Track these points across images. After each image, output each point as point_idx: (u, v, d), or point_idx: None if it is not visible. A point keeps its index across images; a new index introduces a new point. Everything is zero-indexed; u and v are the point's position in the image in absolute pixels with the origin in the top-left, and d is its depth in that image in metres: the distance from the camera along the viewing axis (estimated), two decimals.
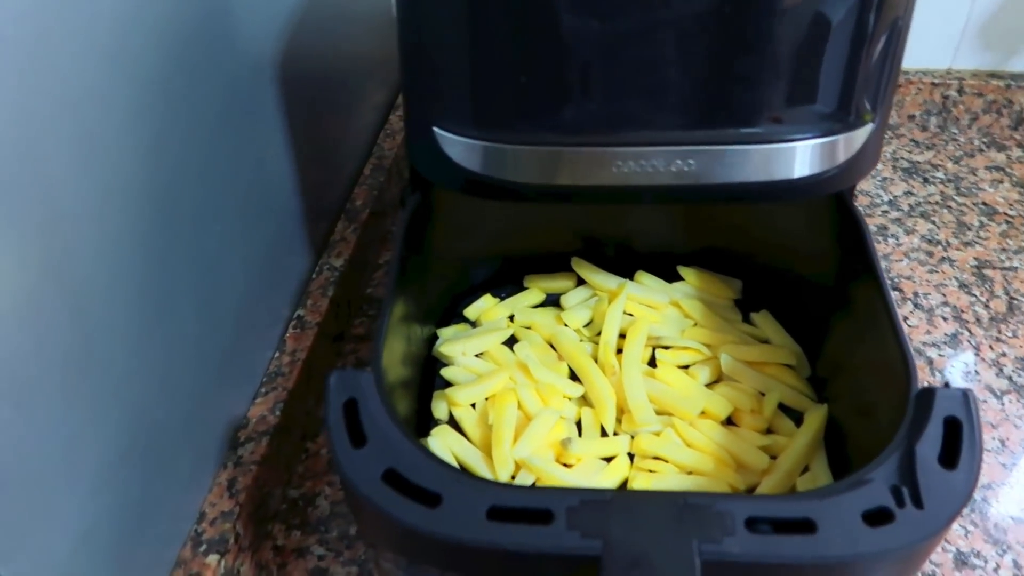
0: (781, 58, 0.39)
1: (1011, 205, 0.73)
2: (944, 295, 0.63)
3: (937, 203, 0.73)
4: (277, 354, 0.52)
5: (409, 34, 0.41)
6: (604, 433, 0.49)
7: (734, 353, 0.52)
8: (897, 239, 0.69)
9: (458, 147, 0.42)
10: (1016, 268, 0.66)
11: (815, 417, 0.48)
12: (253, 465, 0.46)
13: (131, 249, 0.36)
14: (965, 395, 0.35)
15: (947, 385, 0.36)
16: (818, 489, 0.33)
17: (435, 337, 0.56)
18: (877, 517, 0.32)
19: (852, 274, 0.47)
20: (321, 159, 0.60)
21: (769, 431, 0.49)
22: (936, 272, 0.66)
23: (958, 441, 0.34)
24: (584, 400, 0.51)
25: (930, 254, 0.67)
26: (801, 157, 0.42)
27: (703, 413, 0.49)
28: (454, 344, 0.53)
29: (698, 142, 0.41)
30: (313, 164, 0.57)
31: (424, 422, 0.51)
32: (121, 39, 0.33)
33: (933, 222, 0.71)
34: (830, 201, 0.49)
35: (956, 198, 0.74)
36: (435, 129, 0.42)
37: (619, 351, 0.53)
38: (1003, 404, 0.55)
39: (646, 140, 0.41)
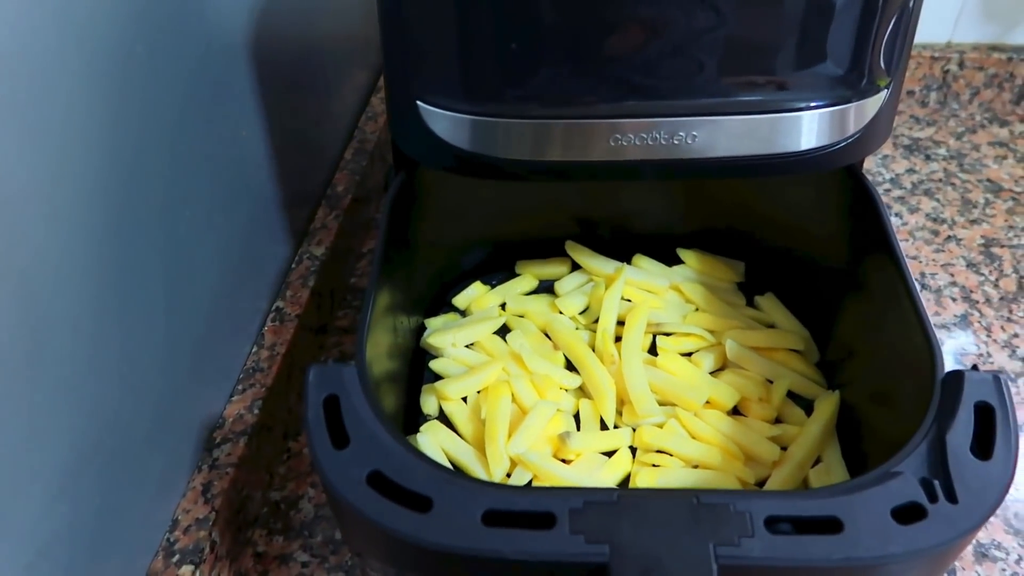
0: (791, 15, 0.36)
1: (1016, 181, 0.70)
2: (952, 275, 0.61)
3: (940, 180, 0.71)
4: (255, 348, 0.49)
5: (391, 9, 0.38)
6: (604, 426, 0.46)
7: (739, 339, 0.49)
8: (901, 218, 0.67)
9: (444, 122, 0.39)
10: None
11: (827, 404, 0.45)
12: (230, 467, 0.43)
13: (88, 233, 0.32)
14: (997, 379, 0.32)
15: (975, 368, 0.34)
16: (842, 484, 0.31)
17: (423, 328, 0.53)
18: (908, 513, 0.29)
19: (865, 251, 0.44)
20: (300, 142, 0.56)
21: (778, 420, 0.47)
22: (942, 251, 0.63)
23: (991, 429, 0.31)
24: (582, 391, 0.49)
25: (935, 233, 0.65)
26: (811, 127, 0.39)
27: (708, 403, 0.46)
28: (443, 335, 0.50)
29: (703, 112, 0.38)
30: (291, 147, 0.54)
31: (412, 418, 0.48)
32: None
33: (937, 200, 0.68)
34: (839, 175, 0.46)
35: (960, 175, 0.71)
36: (419, 103, 0.39)
37: (618, 339, 0.50)
38: (1018, 387, 0.52)
39: (647, 111, 0.38)
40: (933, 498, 0.30)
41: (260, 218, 0.50)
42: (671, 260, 0.56)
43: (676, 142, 0.39)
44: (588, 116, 0.38)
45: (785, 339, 0.50)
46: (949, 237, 0.64)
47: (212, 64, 0.42)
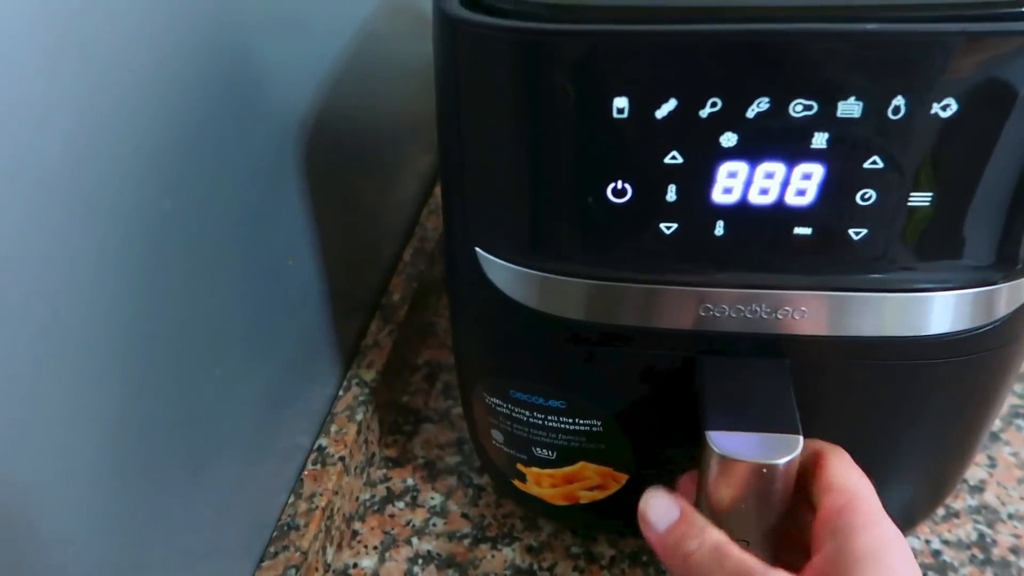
0: (928, 191, 0.29)
1: None
2: None
3: None
4: (291, 499, 0.42)
5: (450, 141, 0.33)
6: None
7: None
8: None
9: (506, 274, 0.34)
10: None
11: None
12: None
13: (96, 419, 0.27)
14: None
15: None
16: None
17: None
18: None
19: None
20: (355, 244, 0.49)
21: None
22: None
23: None
24: None
25: None
26: (948, 309, 0.32)
27: None
28: None
29: (811, 287, 0.32)
30: (345, 252, 0.47)
31: None
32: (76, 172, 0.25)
33: None
34: None
35: None
36: (477, 250, 0.34)
37: None
38: None
39: (744, 281, 0.32)
40: None
41: (305, 343, 0.43)
42: None
43: (780, 317, 0.32)
44: (674, 282, 0.32)
45: None
46: None
47: (258, 186, 0.36)
